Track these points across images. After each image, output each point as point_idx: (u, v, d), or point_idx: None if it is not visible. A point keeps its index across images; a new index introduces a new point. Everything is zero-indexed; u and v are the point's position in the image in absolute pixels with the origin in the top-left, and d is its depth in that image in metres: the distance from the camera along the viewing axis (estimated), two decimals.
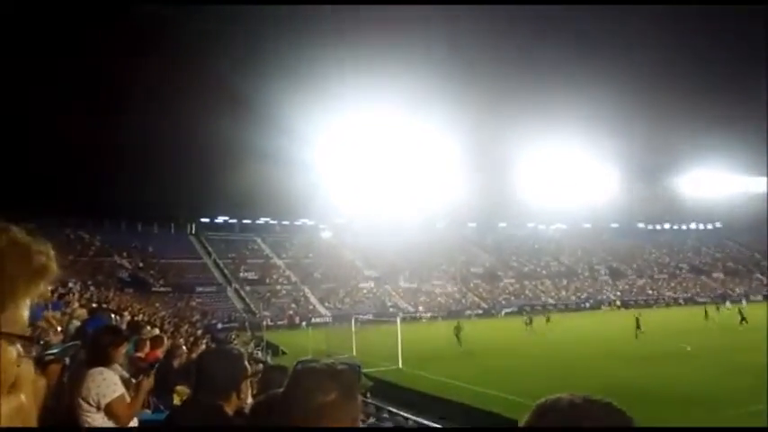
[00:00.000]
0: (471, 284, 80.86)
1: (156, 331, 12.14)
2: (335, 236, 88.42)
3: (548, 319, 52.04)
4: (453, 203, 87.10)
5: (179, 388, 6.62)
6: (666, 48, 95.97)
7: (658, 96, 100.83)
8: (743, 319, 39.98)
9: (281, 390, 1.45)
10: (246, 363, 3.01)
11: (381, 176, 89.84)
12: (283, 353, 34.94)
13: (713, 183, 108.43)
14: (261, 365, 9.58)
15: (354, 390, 1.37)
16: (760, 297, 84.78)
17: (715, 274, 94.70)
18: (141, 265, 67.00)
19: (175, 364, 8.49)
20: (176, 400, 6.40)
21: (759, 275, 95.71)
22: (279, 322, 60.04)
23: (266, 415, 1.98)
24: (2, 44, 49.18)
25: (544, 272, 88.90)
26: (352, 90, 78.13)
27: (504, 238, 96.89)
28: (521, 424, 1.11)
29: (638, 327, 38.58)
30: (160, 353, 8.85)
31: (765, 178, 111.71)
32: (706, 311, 47.73)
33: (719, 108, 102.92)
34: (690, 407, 18.15)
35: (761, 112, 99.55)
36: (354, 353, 32.31)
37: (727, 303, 62.75)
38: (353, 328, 36.31)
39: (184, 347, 10.32)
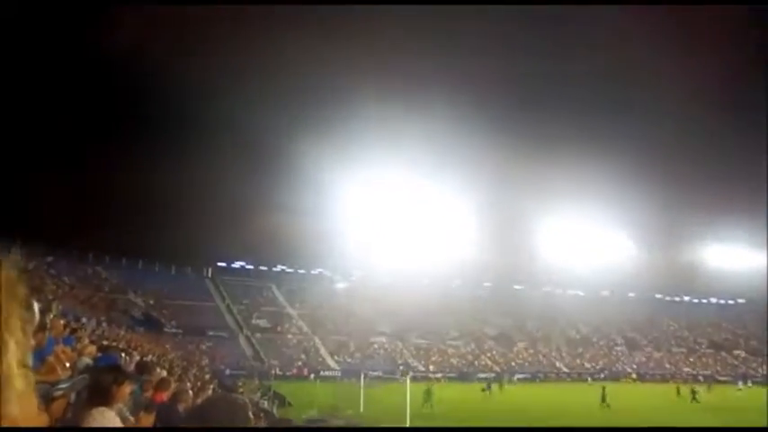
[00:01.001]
0: (485, 346, 79.62)
1: (164, 373, 12.06)
2: (351, 288, 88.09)
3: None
4: (469, 263, 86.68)
5: None
6: (689, 118, 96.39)
7: (685, 166, 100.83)
8: None
9: None
10: (251, 413, 2.97)
11: (400, 232, 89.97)
12: (289, 404, 34.41)
13: (736, 257, 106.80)
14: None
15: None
16: None
17: (736, 352, 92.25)
18: (154, 303, 67.09)
19: (180, 408, 8.39)
20: None
21: None
22: (287, 372, 59.34)
23: None
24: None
25: (559, 338, 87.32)
26: (374, 143, 79.20)
27: (520, 300, 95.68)
28: None
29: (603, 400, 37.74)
30: (166, 396, 8.78)
31: None
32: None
33: (744, 181, 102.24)
34: None
35: None
36: (362, 410, 31.72)
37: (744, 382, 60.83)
38: (362, 384, 35.75)
39: (190, 392, 10.22)
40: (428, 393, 35.00)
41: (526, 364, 76.65)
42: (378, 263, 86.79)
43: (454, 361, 73.63)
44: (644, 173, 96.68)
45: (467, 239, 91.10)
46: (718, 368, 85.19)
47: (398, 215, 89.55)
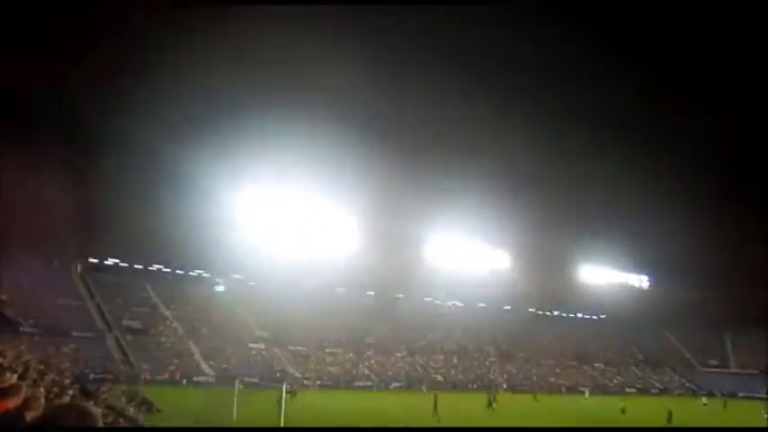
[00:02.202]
0: (364, 355, 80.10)
1: (15, 378, 10.94)
2: (230, 292, 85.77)
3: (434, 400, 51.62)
4: (353, 270, 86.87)
5: None
6: (564, 139, 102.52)
7: (559, 188, 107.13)
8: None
9: None
10: (101, 423, 2.71)
11: (283, 237, 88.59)
12: (158, 410, 32.78)
13: (600, 275, 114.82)
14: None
15: None
16: (635, 389, 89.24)
17: (596, 364, 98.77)
18: (8, 299, 61.55)
19: (29, 417, 7.58)
20: None
21: (634, 368, 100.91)
22: (158, 377, 56.64)
23: None
24: None
25: (436, 348, 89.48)
26: (260, 147, 77.92)
27: (400, 309, 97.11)
28: None
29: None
30: (13, 403, 7.90)
31: (645, 276, 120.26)
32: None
33: (610, 207, 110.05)
34: None
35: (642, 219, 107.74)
36: (234, 417, 30.75)
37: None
38: (236, 392, 34.73)
39: (43, 399, 9.29)
40: (291, 395, 35.42)
41: (403, 373, 77.83)
42: (259, 268, 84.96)
43: (332, 369, 73.45)
44: (524, 191, 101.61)
45: (350, 247, 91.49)
46: (580, 379, 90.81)
47: (282, 220, 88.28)
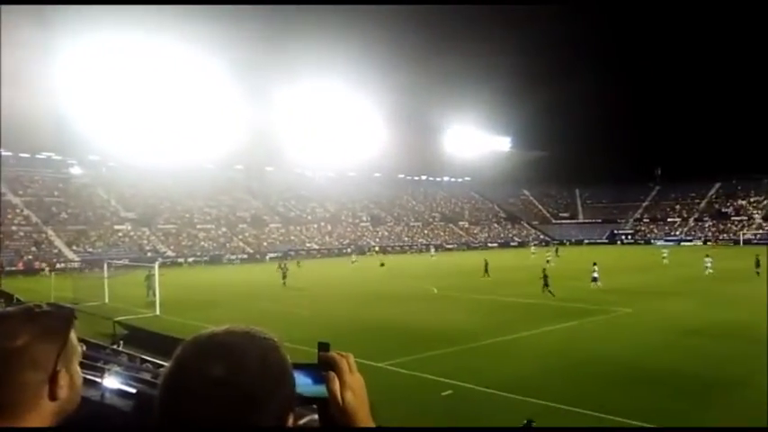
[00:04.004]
0: (237, 228, 79.38)
1: None
2: (87, 174, 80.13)
3: (298, 264, 53.17)
4: (221, 145, 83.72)
5: None
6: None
7: (430, 58, 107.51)
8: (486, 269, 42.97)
9: None
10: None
11: (145, 111, 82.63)
12: (18, 301, 30.75)
13: (466, 140, 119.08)
14: None
15: (54, 332, 1.20)
16: (496, 244, 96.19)
17: (461, 223, 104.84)
18: None
19: None
20: None
21: (496, 225, 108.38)
22: (12, 268, 53.04)
23: None
24: None
25: (309, 217, 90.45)
26: (124, 21, 70.64)
27: (271, 182, 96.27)
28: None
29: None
30: None
31: (508, 138, 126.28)
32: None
33: (474, 72, 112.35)
34: (430, 341, 19.52)
35: (504, 82, 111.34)
36: (107, 300, 29.62)
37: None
38: (106, 274, 33.27)
39: None
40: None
41: (278, 243, 78.37)
42: (119, 146, 79.54)
43: (205, 244, 72.40)
44: (392, 60, 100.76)
45: (218, 122, 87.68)
46: (447, 238, 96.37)
47: (145, 92, 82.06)
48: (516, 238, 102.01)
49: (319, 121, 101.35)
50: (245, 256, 71.58)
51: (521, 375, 15.34)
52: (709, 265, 41.00)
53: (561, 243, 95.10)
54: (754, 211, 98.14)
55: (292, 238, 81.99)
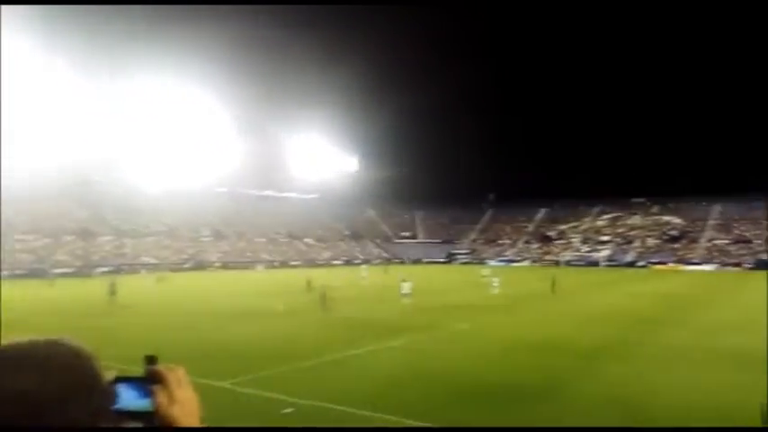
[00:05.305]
0: (63, 240, 72.83)
1: None
2: None
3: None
4: (65, 152, 76.97)
5: None
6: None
7: (287, 65, 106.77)
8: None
9: None
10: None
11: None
12: None
13: (314, 157, 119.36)
14: None
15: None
16: (341, 261, 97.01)
17: (307, 240, 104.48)
18: None
19: None
20: None
21: (341, 242, 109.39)
22: None
23: None
24: None
25: (145, 231, 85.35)
26: None
27: (101, 192, 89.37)
28: None
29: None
30: None
31: (355, 158, 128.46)
32: (308, 282, 47.34)
33: (323, 90, 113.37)
34: (274, 358, 19.02)
35: (352, 102, 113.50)
36: None
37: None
38: None
39: None
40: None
41: (110, 257, 73.02)
42: None
43: (24, 256, 65.57)
44: (238, 71, 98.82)
45: (42, 128, 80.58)
46: (292, 254, 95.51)
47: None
48: (360, 255, 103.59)
49: (158, 130, 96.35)
50: (71, 270, 65.76)
51: (365, 390, 15.29)
52: (495, 284, 42.91)
53: (402, 262, 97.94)
54: (573, 236, 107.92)
55: (126, 251, 76.84)
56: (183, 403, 1.11)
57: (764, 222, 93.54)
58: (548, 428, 11.30)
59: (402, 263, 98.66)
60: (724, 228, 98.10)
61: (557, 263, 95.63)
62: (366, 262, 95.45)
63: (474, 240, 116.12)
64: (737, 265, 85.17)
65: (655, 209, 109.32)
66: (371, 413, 13.18)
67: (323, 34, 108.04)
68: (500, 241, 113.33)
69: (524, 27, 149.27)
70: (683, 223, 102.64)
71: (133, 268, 67.76)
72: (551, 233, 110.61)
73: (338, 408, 13.61)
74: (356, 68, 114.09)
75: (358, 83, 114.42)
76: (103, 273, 63.02)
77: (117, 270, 63.16)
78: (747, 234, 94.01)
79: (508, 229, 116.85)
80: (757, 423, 10.11)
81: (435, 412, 13.36)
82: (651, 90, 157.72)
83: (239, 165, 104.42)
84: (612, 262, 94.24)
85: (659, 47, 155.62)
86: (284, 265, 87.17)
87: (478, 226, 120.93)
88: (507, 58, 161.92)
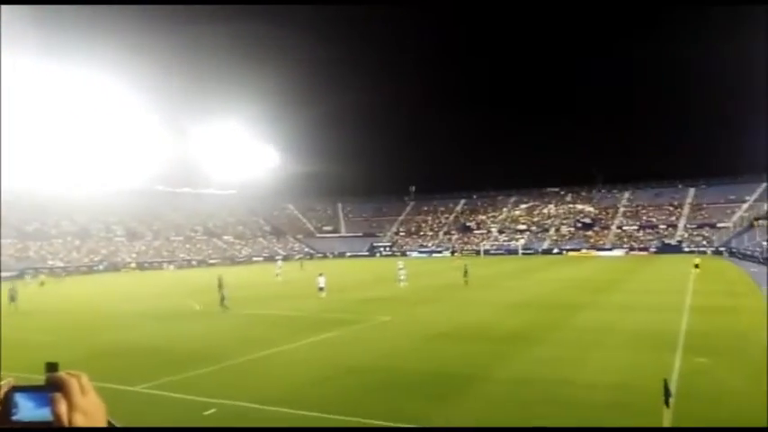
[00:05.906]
0: None
1: None
2: None
3: (42, 284, 49.91)
4: None
5: None
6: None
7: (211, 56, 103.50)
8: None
9: None
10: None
11: None
12: None
13: (231, 152, 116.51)
14: None
15: None
16: (261, 258, 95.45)
17: (226, 237, 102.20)
18: None
19: None
20: None
21: (261, 239, 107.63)
22: None
23: None
24: None
25: (53, 231, 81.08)
26: None
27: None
28: None
29: None
30: None
31: (276, 152, 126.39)
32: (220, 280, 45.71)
33: (243, 83, 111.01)
34: (193, 360, 18.47)
35: (272, 96, 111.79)
36: None
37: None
38: None
39: None
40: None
41: (12, 261, 68.89)
42: None
43: None
44: (155, 62, 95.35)
45: None
46: (210, 252, 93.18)
47: None
48: (281, 251, 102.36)
49: (62, 123, 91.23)
50: None
51: (286, 388, 15.06)
52: (402, 277, 42.30)
53: (324, 256, 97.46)
54: (492, 225, 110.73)
55: (31, 254, 72.74)
56: (87, 411, 1.05)
57: (669, 208, 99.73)
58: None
59: (325, 257, 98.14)
60: (633, 214, 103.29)
61: (477, 252, 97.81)
62: (288, 258, 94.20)
63: (396, 233, 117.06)
64: (645, 249, 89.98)
65: (568, 197, 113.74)
66: (288, 410, 12.99)
67: (242, 28, 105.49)
68: (421, 233, 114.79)
69: (443, 20, 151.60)
70: (595, 211, 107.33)
71: (40, 272, 64.11)
72: (471, 224, 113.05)
73: (259, 407, 13.36)
74: (277, 63, 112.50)
75: (278, 77, 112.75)
76: (6, 278, 59.35)
77: (20, 275, 59.61)
78: (653, 220, 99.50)
79: (429, 220, 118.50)
80: (660, 397, 10.62)
81: (353, 405, 13.31)
82: (563, 83, 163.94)
83: (155, 161, 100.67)
84: (529, 250, 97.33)
85: (569, 37, 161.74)
86: (202, 263, 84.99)
87: (400, 218, 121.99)
88: (425, 51, 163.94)
